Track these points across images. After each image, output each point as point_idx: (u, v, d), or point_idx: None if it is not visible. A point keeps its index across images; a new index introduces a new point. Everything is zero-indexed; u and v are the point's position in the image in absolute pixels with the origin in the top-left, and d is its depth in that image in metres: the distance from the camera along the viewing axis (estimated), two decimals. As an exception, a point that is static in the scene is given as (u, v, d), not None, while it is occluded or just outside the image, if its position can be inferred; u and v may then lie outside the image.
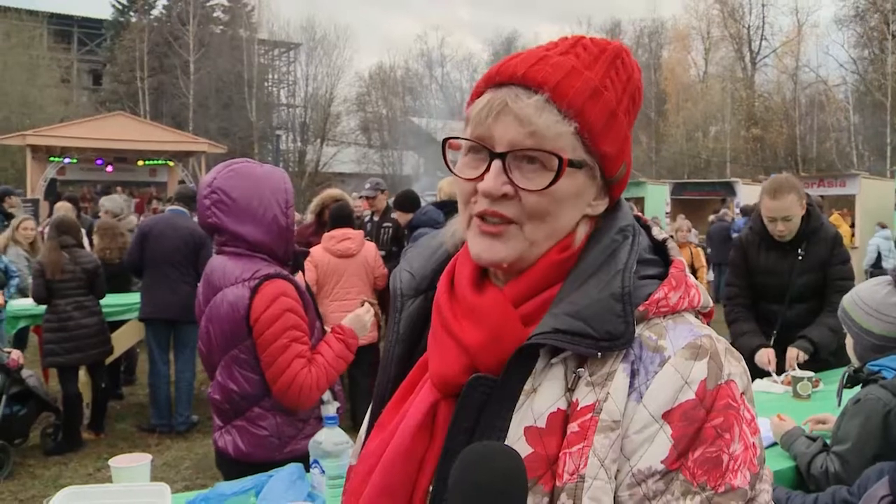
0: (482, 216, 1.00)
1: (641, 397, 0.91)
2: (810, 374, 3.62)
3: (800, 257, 4.06)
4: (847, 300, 2.83)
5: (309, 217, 8.03)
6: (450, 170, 1.05)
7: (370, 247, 6.54)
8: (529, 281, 1.02)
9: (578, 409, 0.92)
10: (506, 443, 0.93)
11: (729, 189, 22.61)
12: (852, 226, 17.23)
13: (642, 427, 0.90)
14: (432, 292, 1.11)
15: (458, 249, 1.12)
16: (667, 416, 0.90)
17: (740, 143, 41.59)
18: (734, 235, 11.44)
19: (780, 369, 3.90)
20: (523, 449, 0.92)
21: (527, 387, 0.95)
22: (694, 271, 9.74)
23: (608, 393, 0.92)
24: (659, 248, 1.08)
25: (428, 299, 1.12)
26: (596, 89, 1.00)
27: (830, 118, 39.97)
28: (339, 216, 6.47)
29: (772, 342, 4.10)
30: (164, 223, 6.90)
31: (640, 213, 1.13)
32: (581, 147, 0.99)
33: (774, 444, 2.88)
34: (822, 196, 16.28)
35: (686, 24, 47.24)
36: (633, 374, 0.93)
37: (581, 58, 1.02)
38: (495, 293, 1.02)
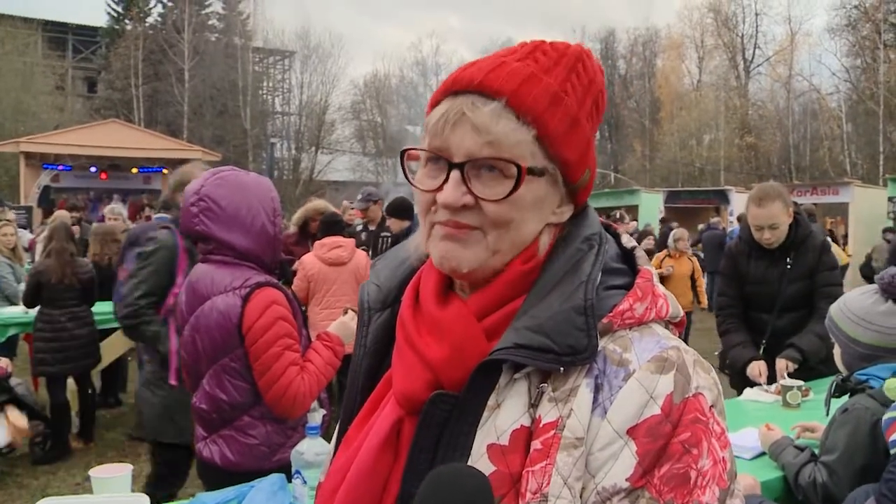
0: (443, 224, 0.98)
1: (606, 413, 0.89)
2: (800, 383, 3.61)
3: (788, 266, 4.05)
4: (834, 309, 2.81)
5: (292, 227, 8.05)
6: (408, 181, 1.03)
7: (361, 255, 6.53)
8: (494, 293, 0.99)
9: (541, 425, 0.90)
10: (469, 461, 0.91)
11: (723, 197, 22.69)
12: (844, 235, 17.28)
13: (606, 444, 0.88)
14: (398, 305, 1.09)
15: (423, 263, 1.09)
16: (631, 431, 0.88)
17: (734, 152, 41.75)
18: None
19: (771, 379, 3.90)
20: (486, 467, 0.90)
21: (490, 402, 0.93)
22: (694, 281, 9.79)
23: (571, 409, 0.89)
24: (628, 256, 1.05)
25: (395, 312, 1.10)
26: (556, 95, 0.97)
27: (823, 126, 40.11)
28: (329, 224, 6.47)
29: (761, 351, 4.09)
30: (151, 231, 6.87)
31: (609, 222, 1.10)
32: (541, 153, 0.97)
33: (763, 453, 2.88)
34: (815, 204, 16.35)
35: (680, 32, 47.51)
36: (597, 389, 0.90)
37: (540, 63, 0.99)
38: (459, 306, 1.00)
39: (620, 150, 47.80)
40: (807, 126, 40.97)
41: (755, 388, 3.86)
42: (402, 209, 7.04)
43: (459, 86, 0.98)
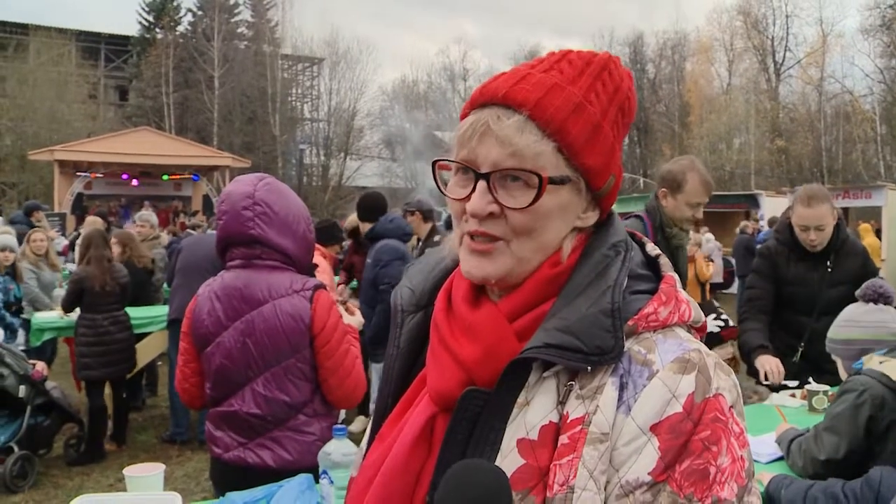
0: (472, 235, 1.03)
1: (630, 410, 0.93)
2: (825, 387, 3.60)
3: (829, 269, 4.05)
4: (829, 330, 3.20)
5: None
6: (440, 190, 1.08)
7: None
8: (523, 296, 1.03)
9: (569, 421, 0.94)
10: (499, 455, 0.95)
11: (753, 201, 22.45)
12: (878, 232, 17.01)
13: (630, 439, 0.92)
14: (432, 308, 1.13)
15: (457, 264, 1.13)
16: (654, 428, 0.91)
17: (764, 155, 41.27)
18: (758, 247, 11.41)
19: (803, 381, 3.87)
20: (515, 461, 0.94)
21: (520, 399, 0.97)
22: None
23: (597, 406, 0.93)
24: (653, 264, 1.09)
25: (427, 315, 1.14)
26: (579, 104, 1.01)
27: (856, 129, 39.50)
28: (319, 231, 6.50)
29: (798, 354, 4.06)
30: (195, 237, 7.12)
31: (634, 231, 1.15)
32: (563, 163, 1.01)
33: (780, 458, 2.92)
34: (844, 208, 16.13)
35: (709, 35, 47.11)
36: (622, 388, 0.94)
37: (565, 73, 1.04)
38: (490, 309, 1.04)
39: (650, 155, 47.47)
40: (839, 129, 40.37)
41: (781, 393, 3.85)
42: (367, 210, 6.50)
43: (485, 98, 1.03)
